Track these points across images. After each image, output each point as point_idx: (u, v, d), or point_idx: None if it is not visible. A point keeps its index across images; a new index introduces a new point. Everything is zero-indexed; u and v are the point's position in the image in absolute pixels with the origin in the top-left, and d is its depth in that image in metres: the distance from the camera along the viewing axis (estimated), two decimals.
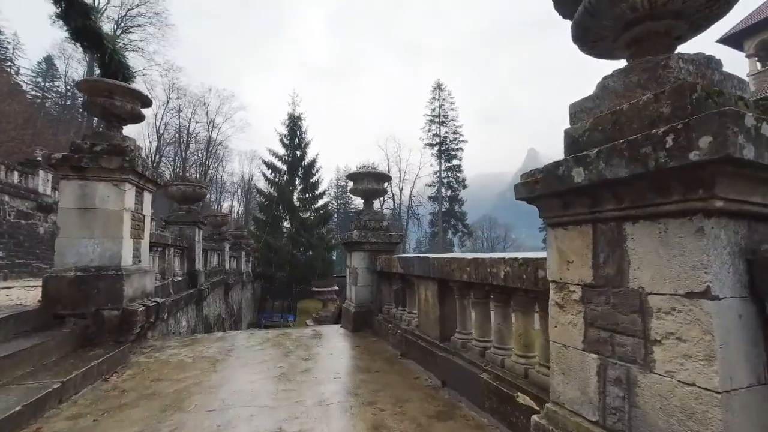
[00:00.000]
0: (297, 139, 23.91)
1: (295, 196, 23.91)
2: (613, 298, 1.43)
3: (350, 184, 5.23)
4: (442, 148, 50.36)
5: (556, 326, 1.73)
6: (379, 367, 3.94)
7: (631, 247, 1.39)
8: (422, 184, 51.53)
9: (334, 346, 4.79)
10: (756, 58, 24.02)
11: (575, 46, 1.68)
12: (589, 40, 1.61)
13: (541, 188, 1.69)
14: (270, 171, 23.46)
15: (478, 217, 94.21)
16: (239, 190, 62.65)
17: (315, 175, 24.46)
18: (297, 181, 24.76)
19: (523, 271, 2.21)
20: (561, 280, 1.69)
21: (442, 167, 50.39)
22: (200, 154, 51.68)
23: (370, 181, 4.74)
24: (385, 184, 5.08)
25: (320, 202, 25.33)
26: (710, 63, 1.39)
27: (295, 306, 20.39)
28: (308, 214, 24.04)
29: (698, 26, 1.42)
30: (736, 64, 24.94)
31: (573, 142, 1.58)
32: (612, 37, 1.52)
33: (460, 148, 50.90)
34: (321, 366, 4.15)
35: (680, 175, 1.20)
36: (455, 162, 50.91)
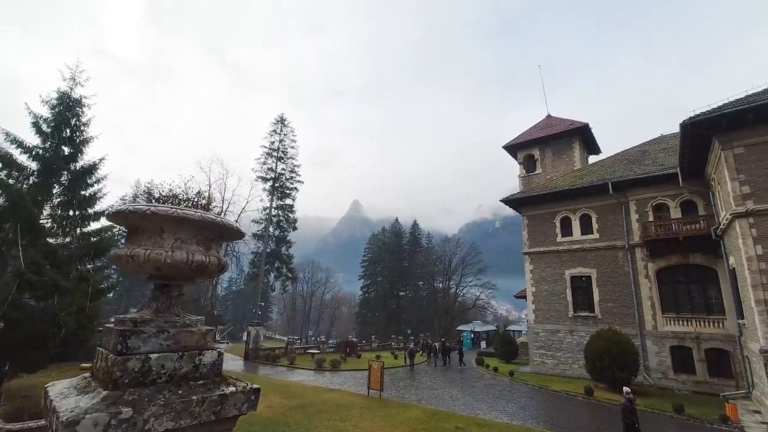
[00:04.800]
0: (69, 130, 16.04)
1: (47, 211, 15.60)
2: None
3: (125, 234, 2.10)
4: (277, 185, 47.01)
5: None
6: None
7: None
8: (248, 219, 45.90)
9: None
10: (522, 166, 32.71)
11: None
12: None
13: None
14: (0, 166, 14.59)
15: (300, 259, 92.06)
16: None
17: (93, 186, 16.86)
18: (56, 190, 16.41)
19: None
20: None
21: (274, 204, 46.65)
22: None
23: (186, 239, 1.82)
24: (221, 254, 2.19)
25: (95, 225, 17.53)
26: None
27: None
28: (67, 239, 16.01)
29: None
30: (515, 167, 33.23)
31: None
32: None
33: (296, 188, 48.84)
34: None
35: None
36: (288, 201, 48.20)
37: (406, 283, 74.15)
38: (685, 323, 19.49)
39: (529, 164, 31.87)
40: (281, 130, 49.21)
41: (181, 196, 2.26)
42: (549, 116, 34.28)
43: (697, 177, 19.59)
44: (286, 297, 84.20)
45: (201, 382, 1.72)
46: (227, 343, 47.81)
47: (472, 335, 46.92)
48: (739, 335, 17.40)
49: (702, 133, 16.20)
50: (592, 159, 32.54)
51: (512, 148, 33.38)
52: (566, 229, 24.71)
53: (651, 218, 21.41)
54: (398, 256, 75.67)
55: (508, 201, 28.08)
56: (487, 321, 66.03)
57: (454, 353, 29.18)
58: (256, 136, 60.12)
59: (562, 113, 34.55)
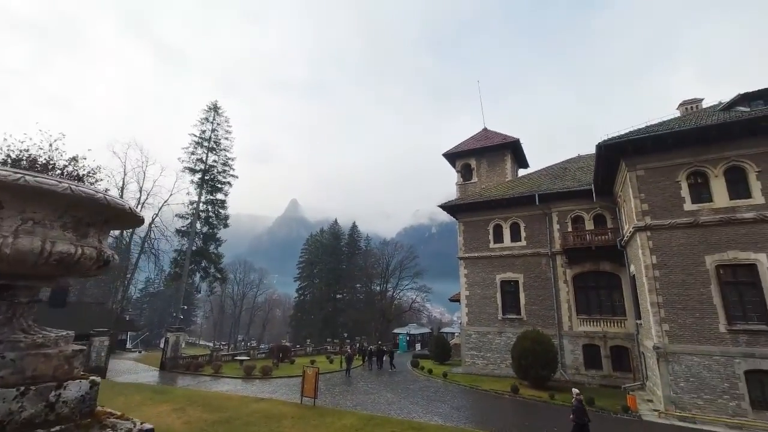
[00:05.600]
0: None
1: None
2: None
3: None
4: (207, 178, 43.34)
5: None
6: None
7: None
8: (172, 213, 41.66)
9: None
10: (460, 174, 34.22)
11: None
12: None
13: None
14: None
15: (231, 259, 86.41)
16: None
17: None
18: None
19: None
20: None
21: (203, 198, 42.91)
22: None
23: (43, 220, 1.24)
24: (106, 244, 1.60)
25: None
26: None
27: None
28: None
29: None
30: (453, 174, 34.60)
31: None
32: None
33: (228, 182, 45.44)
34: None
35: None
36: (220, 196, 44.62)
37: (344, 285, 73.38)
38: (594, 324, 21.79)
39: (466, 173, 33.40)
40: (214, 119, 45.57)
41: (42, 160, 1.61)
42: (485, 129, 36.35)
43: (607, 194, 22.09)
44: (213, 299, 78.20)
45: (58, 428, 1.17)
46: (140, 352, 42.80)
47: (408, 338, 47.77)
48: (636, 334, 19.88)
49: (613, 155, 18.28)
50: (521, 172, 35.19)
51: (451, 157, 34.77)
52: (498, 236, 26.27)
53: (570, 229, 23.66)
54: (336, 258, 74.64)
55: (446, 207, 29.08)
56: (422, 324, 67.92)
57: (387, 356, 29.26)
58: (184, 124, 55.03)
59: (495, 128, 36.74)
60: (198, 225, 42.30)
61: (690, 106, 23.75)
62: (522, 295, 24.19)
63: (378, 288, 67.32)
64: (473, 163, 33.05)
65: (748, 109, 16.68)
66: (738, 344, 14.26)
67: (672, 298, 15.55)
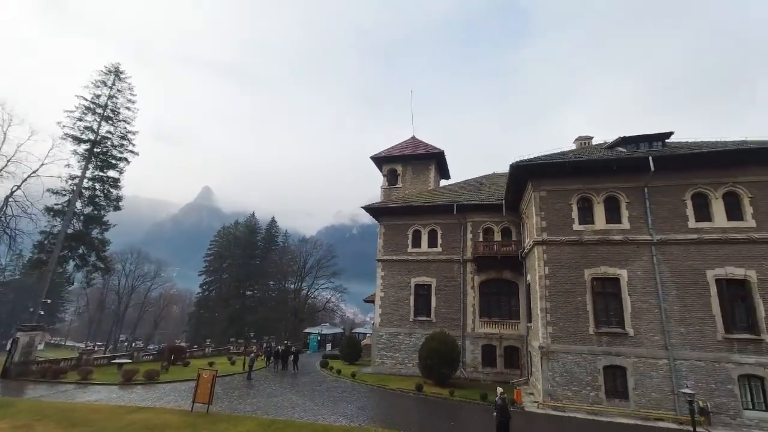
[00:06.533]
0: None
1: None
2: None
3: None
4: (97, 150, 36.78)
5: None
6: None
7: None
8: (42, 187, 34.26)
9: None
10: (386, 178, 34.79)
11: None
12: None
13: None
14: None
15: (121, 246, 74.91)
16: None
17: None
18: None
19: None
20: None
21: (89, 174, 36.25)
22: None
23: None
24: None
25: None
26: None
27: None
28: None
29: None
30: (378, 177, 34.94)
31: None
32: None
33: (125, 159, 39.12)
34: None
35: None
36: (112, 173, 38.13)
37: (255, 282, 69.03)
38: (493, 326, 23.87)
39: (391, 177, 34.07)
40: (114, 84, 38.97)
41: None
42: (414, 138, 37.58)
43: (515, 210, 24.48)
44: (91, 293, 66.66)
45: None
46: None
47: (319, 338, 46.74)
48: (527, 335, 22.28)
49: (522, 176, 20.30)
50: (443, 182, 37.21)
51: (379, 160, 35.16)
52: (416, 241, 27.22)
53: (481, 239, 25.63)
54: (249, 253, 69.92)
55: (370, 209, 29.20)
56: (335, 324, 67.21)
57: (291, 356, 28.09)
58: (75, 87, 45.16)
59: (422, 138, 38.06)
60: (78, 204, 35.56)
61: (583, 141, 27.69)
62: (433, 299, 25.38)
63: (292, 286, 64.75)
64: (399, 168, 33.85)
65: (625, 150, 20.03)
66: (601, 344, 16.86)
67: (558, 304, 17.77)
